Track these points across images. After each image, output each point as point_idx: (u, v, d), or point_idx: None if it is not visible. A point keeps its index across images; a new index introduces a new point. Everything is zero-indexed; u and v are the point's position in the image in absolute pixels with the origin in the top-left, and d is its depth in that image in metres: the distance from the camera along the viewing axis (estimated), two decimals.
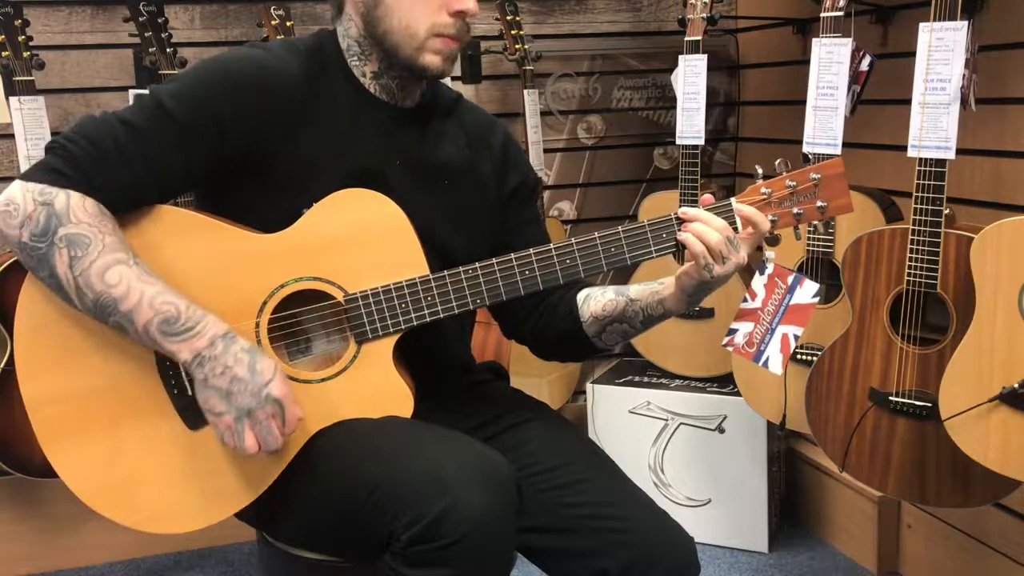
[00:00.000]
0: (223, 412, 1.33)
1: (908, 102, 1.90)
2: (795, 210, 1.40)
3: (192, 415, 1.40)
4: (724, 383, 2.75)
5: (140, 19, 2.39)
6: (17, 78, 2.31)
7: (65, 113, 2.63)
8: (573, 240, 1.40)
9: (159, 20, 2.40)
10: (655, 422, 2.78)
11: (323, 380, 1.42)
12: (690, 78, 2.54)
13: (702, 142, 2.56)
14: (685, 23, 2.52)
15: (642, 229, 1.40)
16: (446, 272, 1.41)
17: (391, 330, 1.41)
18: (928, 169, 1.84)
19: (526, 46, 2.81)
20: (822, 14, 2.09)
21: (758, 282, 1.49)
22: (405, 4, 1.43)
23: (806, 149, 2.15)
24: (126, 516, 1.41)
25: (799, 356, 2.30)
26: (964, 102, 1.87)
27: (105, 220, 1.34)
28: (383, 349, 1.42)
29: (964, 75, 1.85)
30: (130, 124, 1.36)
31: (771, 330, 1.48)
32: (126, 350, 1.39)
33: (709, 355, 2.73)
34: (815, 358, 2.14)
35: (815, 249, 2.23)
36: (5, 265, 2.24)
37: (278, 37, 2.54)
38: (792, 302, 1.48)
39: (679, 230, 1.39)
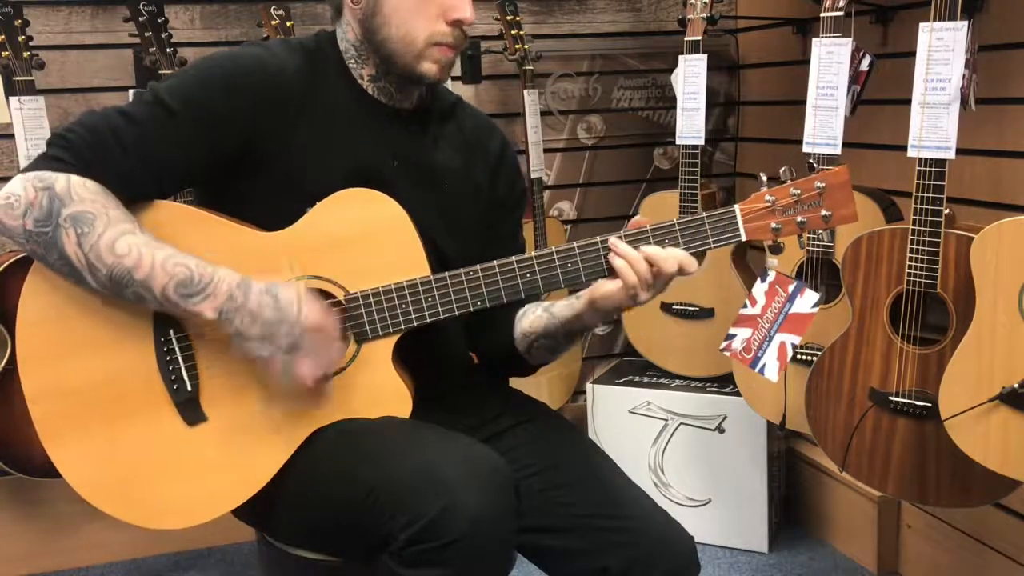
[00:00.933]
0: (267, 356, 1.34)
1: (908, 102, 1.90)
2: (799, 218, 1.39)
3: (190, 412, 1.40)
4: (724, 383, 2.75)
5: (140, 19, 2.40)
6: (17, 78, 2.31)
7: (65, 113, 2.63)
8: (575, 243, 1.40)
9: (159, 20, 2.40)
10: (655, 422, 2.78)
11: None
12: (690, 78, 2.54)
13: (702, 142, 2.56)
14: (685, 23, 2.52)
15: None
16: (447, 273, 1.41)
17: (391, 330, 1.41)
18: (928, 169, 1.84)
19: (526, 46, 2.81)
20: (822, 14, 2.09)
21: (759, 289, 1.49)
22: (403, 13, 1.43)
23: (806, 149, 2.14)
24: (125, 511, 1.41)
25: (799, 356, 2.30)
26: (964, 102, 1.87)
27: (107, 196, 1.34)
28: (383, 349, 1.42)
29: (964, 75, 1.85)
30: (129, 117, 1.37)
31: (769, 337, 1.48)
32: (127, 346, 1.40)
33: (709, 355, 2.73)
34: (815, 358, 2.14)
35: (815, 249, 2.23)
36: (5, 265, 2.24)
37: (278, 37, 2.54)
38: (792, 311, 1.47)
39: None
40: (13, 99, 2.31)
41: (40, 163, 1.35)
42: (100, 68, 2.67)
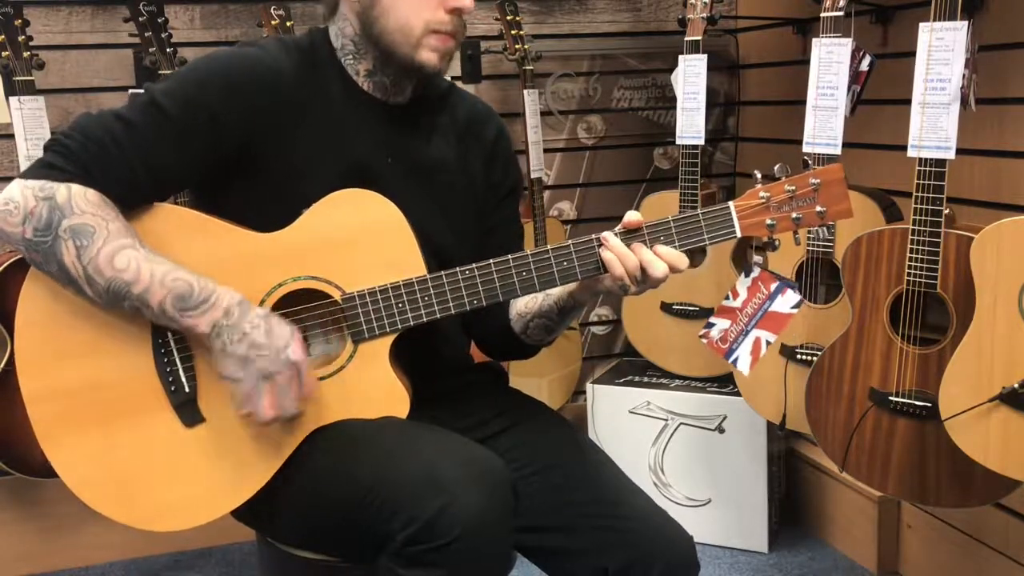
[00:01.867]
0: (242, 378, 1.34)
1: (908, 102, 1.90)
2: (794, 215, 1.40)
3: (188, 413, 1.40)
4: (724, 383, 2.75)
5: (140, 19, 2.40)
6: (17, 78, 2.31)
7: (65, 113, 2.63)
8: (570, 241, 1.40)
9: (159, 20, 2.40)
10: (655, 422, 2.78)
11: (319, 379, 1.41)
12: (690, 78, 2.54)
13: (702, 142, 2.56)
14: (685, 23, 2.52)
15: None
16: (443, 273, 1.41)
17: (387, 330, 1.41)
18: (928, 169, 1.84)
19: (526, 46, 2.81)
20: (822, 14, 2.09)
21: (742, 283, 1.50)
22: (401, 2, 1.43)
23: (806, 149, 2.14)
24: (123, 513, 1.41)
25: (799, 356, 2.30)
26: (964, 102, 1.87)
27: (108, 208, 1.34)
28: (380, 349, 1.42)
29: (964, 75, 1.84)
30: (126, 120, 1.36)
31: (745, 331, 1.49)
32: (125, 348, 1.40)
33: (709, 355, 2.73)
34: (815, 358, 2.14)
35: (815, 249, 2.23)
36: (5, 265, 2.24)
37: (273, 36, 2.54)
38: (771, 309, 1.49)
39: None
40: (13, 99, 2.31)
41: (39, 170, 1.35)
42: (100, 68, 2.68)
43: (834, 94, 2.09)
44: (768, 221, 1.40)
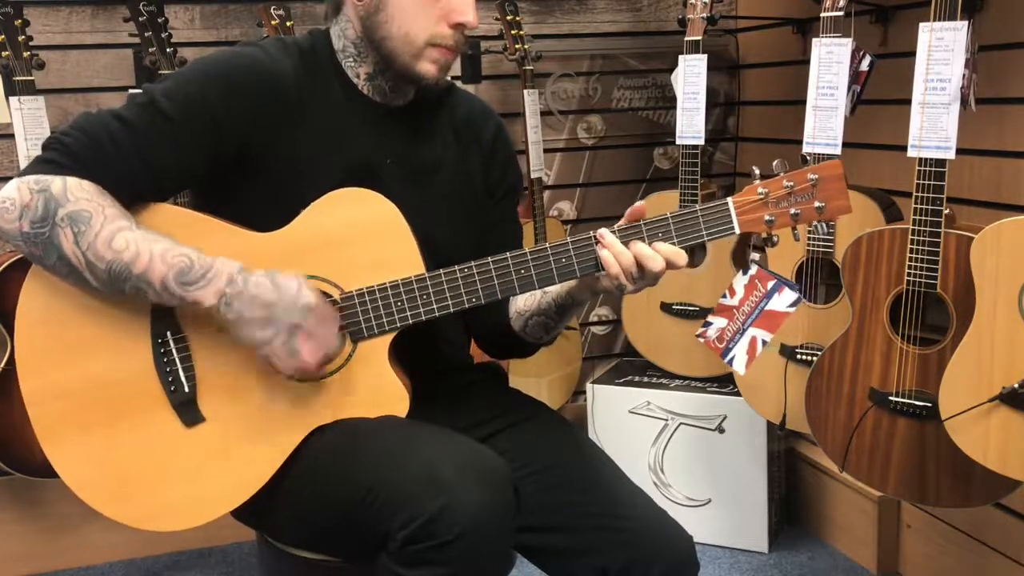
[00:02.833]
0: (269, 339, 1.33)
1: (908, 102, 1.90)
2: (792, 210, 1.40)
3: (188, 413, 1.40)
4: (724, 383, 2.75)
5: (140, 19, 2.40)
6: (17, 78, 2.31)
7: (65, 113, 2.63)
8: (569, 239, 1.40)
9: (159, 20, 2.40)
10: (655, 422, 2.78)
11: (319, 379, 1.41)
12: (690, 78, 2.54)
13: (702, 142, 2.56)
14: (685, 23, 2.52)
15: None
16: (442, 271, 1.41)
17: (386, 328, 1.41)
18: (928, 169, 1.84)
19: (526, 46, 2.81)
20: (822, 14, 2.08)
21: (739, 281, 1.50)
22: (407, 12, 1.43)
23: (806, 149, 2.14)
24: (123, 513, 1.41)
25: (799, 356, 2.30)
26: (964, 102, 1.87)
27: (103, 195, 1.34)
28: (379, 347, 1.42)
29: (964, 75, 1.84)
30: (125, 120, 1.37)
31: (742, 330, 1.49)
32: (125, 348, 1.40)
33: (709, 355, 2.73)
34: (815, 358, 2.14)
35: (815, 249, 2.23)
36: (5, 265, 2.24)
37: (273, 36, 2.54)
38: (767, 307, 1.48)
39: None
40: (13, 99, 2.31)
41: (36, 166, 1.35)
42: (100, 68, 2.68)
43: (834, 94, 2.09)
44: (767, 217, 1.40)
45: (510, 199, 1.67)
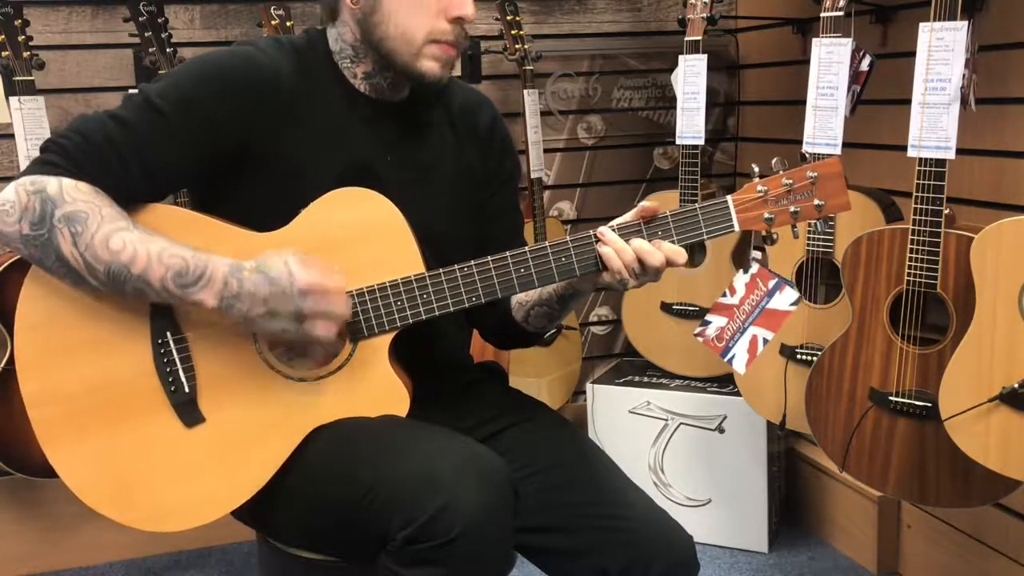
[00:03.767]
0: (283, 328, 1.35)
1: (908, 102, 1.90)
2: (792, 208, 1.40)
3: (188, 413, 1.40)
4: (724, 383, 2.75)
5: (140, 19, 2.40)
6: (17, 78, 2.31)
7: (65, 113, 2.63)
8: (568, 238, 1.40)
9: (159, 20, 2.40)
10: (655, 422, 2.78)
11: (319, 379, 1.42)
12: (690, 78, 2.54)
13: (702, 142, 2.56)
14: (685, 23, 2.52)
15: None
16: (442, 271, 1.41)
17: (386, 328, 1.41)
18: (928, 169, 1.84)
19: (526, 46, 2.81)
20: (822, 14, 2.08)
21: (740, 280, 1.49)
22: (403, 10, 1.42)
23: (806, 149, 2.14)
24: (124, 514, 1.41)
25: (799, 356, 2.30)
26: (964, 102, 1.87)
27: (100, 196, 1.34)
28: (379, 347, 1.42)
29: (964, 75, 1.84)
30: (121, 120, 1.36)
31: (743, 329, 1.49)
32: (125, 348, 1.40)
33: (709, 355, 2.71)
34: (815, 358, 2.14)
35: (815, 249, 2.23)
36: (5, 265, 2.24)
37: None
38: (768, 306, 1.48)
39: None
40: (13, 99, 2.31)
41: (33, 169, 1.35)
42: (100, 68, 2.67)
43: (834, 94, 2.09)
44: (766, 215, 1.40)
45: (509, 187, 1.66)
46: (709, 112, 2.75)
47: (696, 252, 2.68)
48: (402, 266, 1.41)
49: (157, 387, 1.40)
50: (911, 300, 1.91)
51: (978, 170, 2.21)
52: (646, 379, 2.87)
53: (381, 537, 1.29)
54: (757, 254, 1.47)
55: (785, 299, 1.47)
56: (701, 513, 2.76)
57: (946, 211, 1.84)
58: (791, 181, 1.39)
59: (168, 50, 2.40)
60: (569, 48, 3.07)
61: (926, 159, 1.84)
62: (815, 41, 2.11)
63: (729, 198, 1.40)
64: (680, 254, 1.38)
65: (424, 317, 1.41)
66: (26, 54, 2.32)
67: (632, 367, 2.99)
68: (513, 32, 2.79)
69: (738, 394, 2.53)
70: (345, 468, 1.35)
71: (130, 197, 1.38)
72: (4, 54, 2.29)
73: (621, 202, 3.15)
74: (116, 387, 1.40)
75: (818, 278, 2.26)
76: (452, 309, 1.41)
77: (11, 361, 1.40)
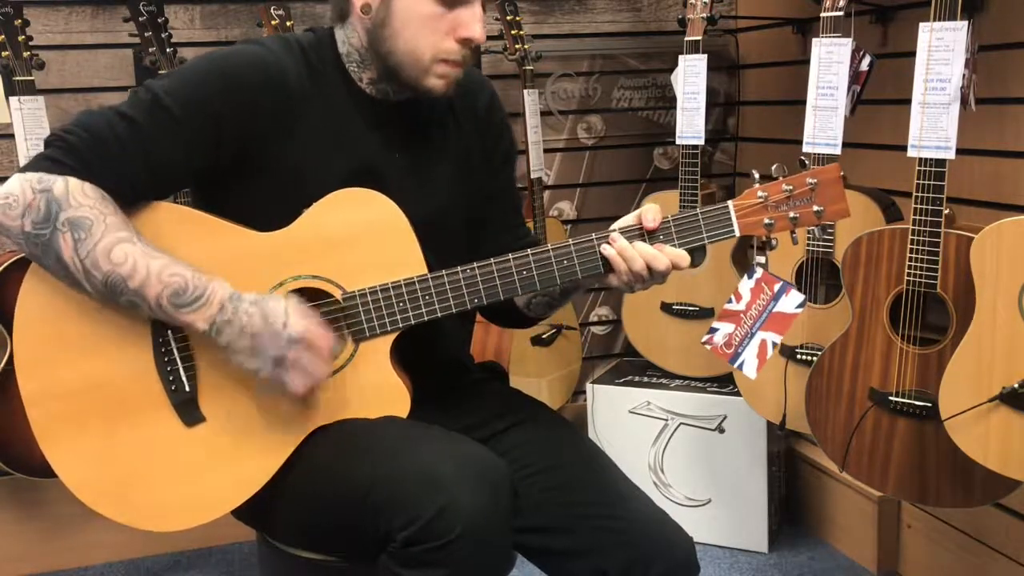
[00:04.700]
0: (258, 368, 1.34)
1: (908, 102, 1.90)
2: (791, 214, 1.41)
3: (189, 412, 1.40)
4: (724, 383, 2.75)
5: (140, 19, 2.40)
6: (17, 78, 2.31)
7: (65, 113, 2.63)
8: (571, 241, 1.40)
9: (159, 20, 2.40)
10: (655, 422, 2.78)
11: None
12: (690, 78, 2.54)
13: (702, 142, 2.56)
14: (685, 23, 2.52)
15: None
16: (444, 272, 1.41)
17: (388, 328, 1.41)
18: (928, 169, 1.84)
19: (526, 46, 2.81)
20: (822, 14, 2.09)
21: (745, 285, 1.50)
22: (412, 28, 1.42)
23: (806, 149, 2.14)
24: (123, 513, 1.41)
25: (799, 356, 2.30)
26: (964, 102, 1.87)
27: (106, 202, 1.34)
28: (380, 348, 1.42)
29: (964, 75, 1.84)
30: (128, 117, 1.36)
31: (751, 334, 1.49)
32: (125, 347, 1.39)
33: (709, 355, 2.72)
34: (815, 358, 2.14)
35: (815, 249, 2.23)
36: (5, 265, 2.24)
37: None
38: (775, 309, 1.49)
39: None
40: (13, 99, 2.31)
41: (39, 164, 1.35)
42: (100, 68, 2.68)
43: (834, 94, 2.09)
44: (766, 220, 1.41)
45: (508, 166, 1.67)
46: (709, 112, 2.75)
47: (696, 254, 2.67)
48: (405, 267, 1.41)
49: (157, 386, 1.40)
50: (911, 300, 1.91)
51: (978, 170, 2.21)
52: (646, 379, 2.87)
53: (381, 537, 1.29)
54: (761, 259, 1.48)
55: (791, 302, 1.48)
56: (701, 513, 2.76)
57: (946, 211, 1.84)
58: (791, 187, 1.40)
59: (168, 50, 2.40)
60: (569, 48, 3.07)
61: (926, 159, 1.84)
62: (815, 41, 2.11)
63: (730, 203, 1.40)
64: (684, 258, 1.39)
65: (426, 318, 1.41)
66: (26, 54, 2.32)
67: (632, 367, 2.99)
68: (513, 32, 2.79)
69: (738, 394, 2.53)
70: (345, 468, 1.35)
71: (135, 194, 1.38)
72: (4, 54, 2.29)
73: (621, 202, 3.15)
74: (116, 385, 1.40)
75: (818, 278, 2.26)
76: (454, 310, 1.41)
77: (10, 361, 1.40)
